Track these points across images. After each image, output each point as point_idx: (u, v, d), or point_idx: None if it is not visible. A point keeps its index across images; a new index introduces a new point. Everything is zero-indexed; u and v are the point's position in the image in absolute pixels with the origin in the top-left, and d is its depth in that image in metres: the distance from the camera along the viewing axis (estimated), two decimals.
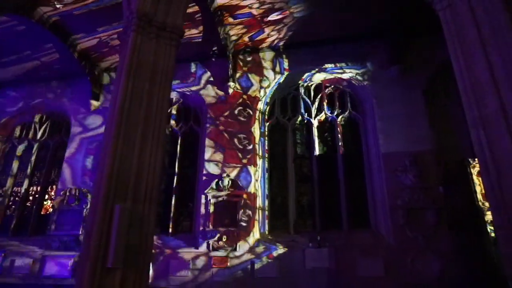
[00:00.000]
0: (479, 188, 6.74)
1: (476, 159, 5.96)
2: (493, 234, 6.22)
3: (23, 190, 9.61)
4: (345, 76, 8.53)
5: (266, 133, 8.71)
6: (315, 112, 8.66)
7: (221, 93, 8.87)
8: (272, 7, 7.78)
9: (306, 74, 8.81)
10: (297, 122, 8.74)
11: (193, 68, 9.32)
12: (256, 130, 8.41)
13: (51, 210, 8.95)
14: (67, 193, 8.50)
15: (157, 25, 4.83)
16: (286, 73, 8.78)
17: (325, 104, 8.67)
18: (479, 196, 6.72)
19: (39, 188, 9.60)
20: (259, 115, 8.63)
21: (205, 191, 7.84)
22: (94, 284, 3.45)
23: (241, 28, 8.41)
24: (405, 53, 7.88)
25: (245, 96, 8.72)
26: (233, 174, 7.98)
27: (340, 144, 8.25)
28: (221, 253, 7.33)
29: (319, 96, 8.76)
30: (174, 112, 9.32)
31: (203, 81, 9.15)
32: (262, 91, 8.74)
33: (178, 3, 5.17)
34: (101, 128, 8.96)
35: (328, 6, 7.57)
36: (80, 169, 8.93)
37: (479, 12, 3.77)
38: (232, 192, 7.73)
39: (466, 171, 6.96)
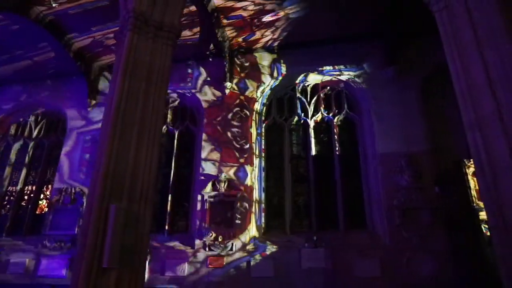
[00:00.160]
0: (474, 188, 6.77)
1: (471, 160, 6.01)
2: (488, 234, 6.26)
3: (18, 189, 9.54)
4: (342, 77, 8.54)
5: (263, 133, 8.70)
6: (311, 112, 8.67)
7: (218, 93, 8.86)
8: (262, 9, 7.79)
9: (303, 76, 8.80)
10: (294, 122, 8.74)
11: (189, 68, 9.28)
12: (253, 130, 8.42)
13: (46, 209, 8.91)
14: (63, 193, 8.46)
15: (154, 25, 4.80)
16: (282, 77, 8.81)
17: (322, 104, 8.66)
18: (474, 194, 6.76)
19: (34, 188, 9.53)
20: (255, 116, 8.63)
21: (201, 191, 7.84)
22: (89, 284, 3.43)
23: (238, 29, 8.40)
24: (401, 54, 7.90)
25: (242, 97, 8.72)
26: (230, 173, 7.99)
27: (336, 144, 8.25)
28: (217, 253, 7.33)
29: (315, 97, 8.76)
30: (170, 111, 9.29)
31: (199, 82, 9.13)
32: (259, 92, 8.74)
33: (175, 2, 5.15)
34: (97, 126, 8.92)
35: (326, 7, 7.59)
36: (76, 167, 8.88)
37: (476, 14, 3.77)
38: (229, 192, 7.72)
39: (461, 172, 7.00)
